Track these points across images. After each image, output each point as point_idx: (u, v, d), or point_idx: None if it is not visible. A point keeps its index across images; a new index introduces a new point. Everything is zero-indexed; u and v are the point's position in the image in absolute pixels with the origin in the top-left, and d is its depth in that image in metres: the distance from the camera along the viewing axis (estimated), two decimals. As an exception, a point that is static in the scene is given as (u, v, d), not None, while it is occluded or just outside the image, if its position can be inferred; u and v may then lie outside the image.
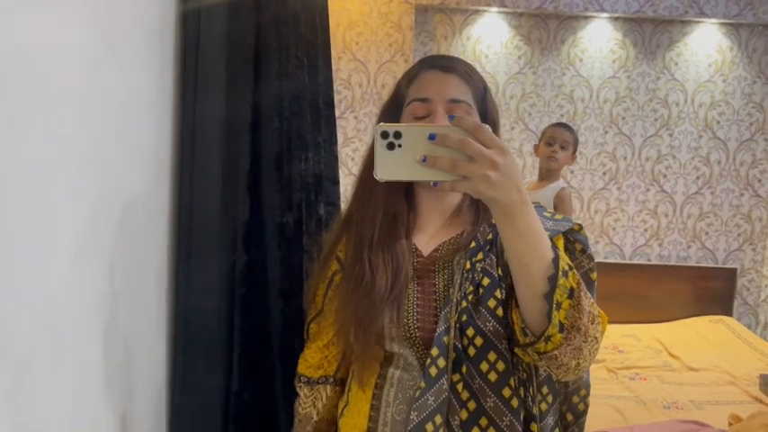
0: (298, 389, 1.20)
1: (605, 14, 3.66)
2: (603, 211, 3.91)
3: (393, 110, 1.09)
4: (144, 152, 1.11)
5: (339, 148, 3.69)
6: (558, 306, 0.83)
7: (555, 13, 3.65)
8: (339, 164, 3.67)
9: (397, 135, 0.77)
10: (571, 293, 0.84)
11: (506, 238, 0.82)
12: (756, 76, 3.80)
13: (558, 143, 2.76)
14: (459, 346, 0.98)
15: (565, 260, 0.85)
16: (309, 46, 1.42)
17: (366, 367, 1.07)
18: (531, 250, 0.82)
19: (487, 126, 0.76)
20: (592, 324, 0.86)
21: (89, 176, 0.92)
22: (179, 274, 1.27)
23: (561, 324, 0.84)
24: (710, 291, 3.87)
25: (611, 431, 2.37)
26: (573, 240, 1.04)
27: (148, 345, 1.22)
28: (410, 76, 1.08)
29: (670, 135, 3.85)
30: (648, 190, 3.90)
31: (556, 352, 0.86)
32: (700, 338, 3.51)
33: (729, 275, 3.89)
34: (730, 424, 2.38)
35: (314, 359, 1.18)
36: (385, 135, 0.77)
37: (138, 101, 1.07)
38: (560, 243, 1.03)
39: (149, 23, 1.08)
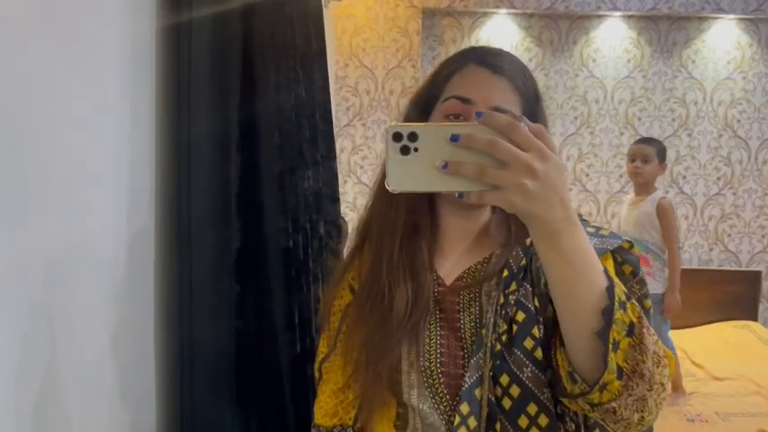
0: None
1: (618, 13, 3.56)
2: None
3: (424, 105, 0.92)
4: (122, 180, 1.05)
5: (348, 156, 3.65)
6: (616, 346, 0.67)
7: (566, 12, 3.55)
8: (348, 172, 3.62)
9: (413, 137, 0.63)
10: (631, 330, 0.67)
11: (548, 262, 0.67)
12: (778, 72, 3.67)
13: (639, 158, 2.80)
14: (492, 398, 0.81)
15: (621, 288, 0.70)
16: (303, 57, 1.35)
17: (377, 411, 0.90)
18: (580, 278, 0.66)
19: (524, 123, 0.62)
20: (657, 367, 0.69)
21: (56, 216, 0.86)
22: (181, 308, 1.19)
23: (620, 368, 0.68)
24: (734, 295, 3.74)
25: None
26: (622, 261, 0.86)
27: (142, 389, 1.16)
28: (452, 68, 0.90)
29: (689, 135, 3.74)
30: (668, 192, 3.78)
31: (614, 404, 0.69)
32: (724, 345, 3.39)
33: (754, 278, 3.76)
34: (759, 440, 2.27)
35: (328, 405, 0.99)
36: (398, 137, 0.63)
37: (108, 125, 1.01)
38: (609, 265, 0.85)
39: (121, 42, 1.02)
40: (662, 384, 0.71)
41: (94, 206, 0.97)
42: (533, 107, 0.88)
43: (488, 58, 0.89)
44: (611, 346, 0.66)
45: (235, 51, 1.13)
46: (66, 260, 0.90)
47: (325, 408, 0.99)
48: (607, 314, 0.67)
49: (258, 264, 1.23)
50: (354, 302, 0.95)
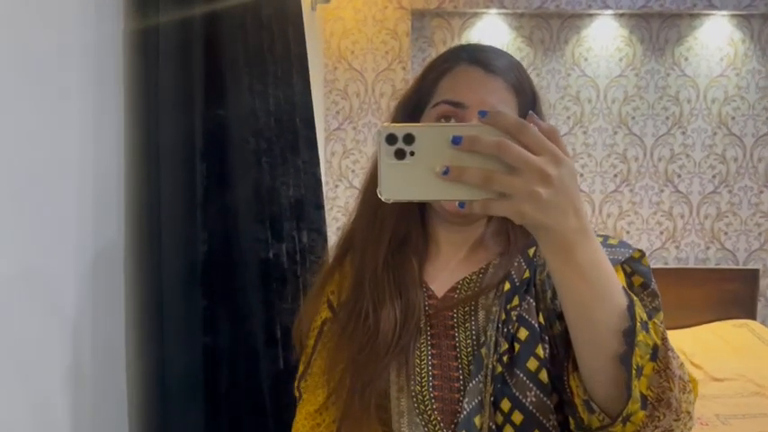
0: None
1: (610, 11, 3.52)
2: (616, 214, 3.76)
3: (412, 110, 0.85)
4: (86, 195, 1.00)
5: (339, 160, 3.60)
6: (639, 372, 0.60)
7: (557, 12, 3.51)
8: (340, 177, 3.58)
9: (409, 139, 0.56)
10: (655, 353, 0.61)
11: (562, 279, 0.60)
12: (771, 68, 3.64)
13: None
14: (493, 426, 0.74)
15: (641, 306, 0.64)
16: (281, 61, 1.31)
17: None
18: (597, 295, 0.60)
19: (534, 124, 0.56)
20: (683, 394, 0.64)
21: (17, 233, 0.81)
22: (152, 325, 1.14)
23: (644, 397, 0.61)
24: (732, 293, 3.70)
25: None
26: (631, 272, 0.79)
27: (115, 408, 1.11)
28: (441, 69, 0.83)
29: (683, 133, 3.70)
30: (662, 191, 3.74)
31: None
32: (723, 345, 3.35)
33: (752, 276, 3.72)
34: (760, 443, 2.23)
35: (305, 428, 0.90)
36: (392, 140, 0.56)
37: (71, 136, 0.96)
38: (619, 277, 0.77)
39: (83, 46, 0.97)
40: (689, 413, 0.65)
41: (58, 220, 0.93)
42: (531, 107, 0.82)
43: (480, 57, 0.82)
44: (634, 372, 0.60)
45: (202, 57, 1.08)
46: (32, 278, 0.86)
47: (301, 430, 0.91)
48: (629, 336, 0.60)
49: (230, 276, 1.18)
50: (335, 321, 0.88)
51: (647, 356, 0.61)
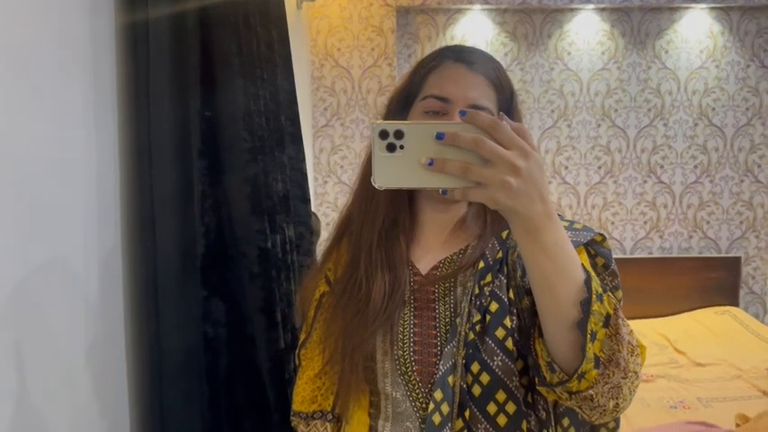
0: (295, 426, 1.05)
1: (591, 6, 3.59)
2: (601, 205, 3.83)
3: (403, 103, 0.95)
4: (85, 185, 1.05)
5: (328, 156, 3.64)
6: (593, 337, 0.70)
7: (539, 7, 3.57)
8: (328, 173, 3.62)
9: (399, 134, 0.65)
10: (607, 321, 0.71)
11: (529, 257, 0.69)
12: (750, 59, 3.71)
13: None
14: (464, 385, 0.85)
15: (597, 281, 0.73)
16: (266, 62, 1.36)
17: (352, 399, 0.95)
18: (560, 271, 0.69)
19: (506, 122, 0.64)
20: (631, 356, 0.73)
21: (25, 223, 0.86)
22: (148, 316, 1.19)
23: (597, 358, 0.71)
24: (715, 281, 3.78)
25: (615, 437, 2.29)
26: (594, 254, 0.90)
27: (114, 394, 1.16)
28: (429, 66, 0.93)
29: (665, 125, 3.77)
30: (646, 182, 3.82)
31: (591, 391, 0.73)
32: (706, 331, 3.43)
33: (734, 264, 3.80)
34: (738, 425, 2.30)
35: (306, 391, 1.04)
36: (384, 135, 0.65)
37: (67, 130, 1.01)
38: (583, 257, 0.88)
39: (77, 40, 1.02)
40: (635, 373, 0.74)
41: (60, 217, 0.97)
42: (509, 101, 0.93)
43: (464, 55, 0.93)
44: (588, 336, 0.70)
45: (196, 50, 1.13)
46: (37, 272, 0.90)
47: (302, 394, 1.04)
48: (585, 306, 0.70)
49: (227, 266, 1.24)
50: (332, 293, 0.99)
51: (601, 323, 0.71)
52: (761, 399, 2.66)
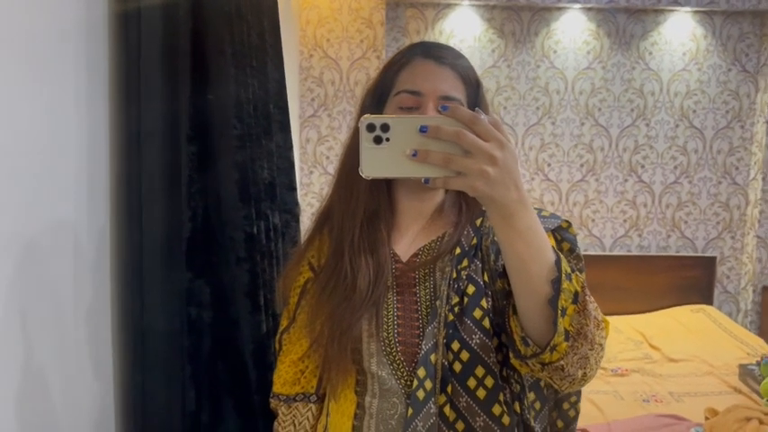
0: (275, 408, 1.10)
1: (578, 5, 3.63)
2: (582, 203, 3.90)
3: (377, 99, 1.00)
4: (75, 167, 1.07)
5: (314, 146, 3.66)
6: (564, 312, 0.77)
7: (528, 5, 3.61)
8: (314, 163, 3.64)
9: (385, 128, 0.69)
10: (576, 298, 0.78)
11: (505, 240, 0.75)
12: (731, 63, 3.78)
13: None
14: (446, 363, 0.91)
15: (566, 262, 0.80)
16: (257, 51, 1.38)
17: (340, 380, 0.99)
18: (533, 252, 0.75)
19: (485, 116, 0.69)
20: (597, 329, 0.81)
21: (12, 200, 0.87)
22: (132, 297, 1.21)
23: (567, 331, 0.78)
24: (691, 280, 3.87)
25: (589, 428, 2.35)
26: (561, 239, 0.97)
27: (98, 370, 1.18)
28: (400, 63, 0.98)
29: (647, 125, 3.84)
30: (626, 180, 3.88)
31: (562, 362, 0.79)
32: (680, 328, 3.50)
33: (709, 264, 3.89)
34: (707, 418, 2.37)
35: (288, 374, 1.09)
36: (371, 128, 0.70)
37: (61, 114, 1.03)
38: (551, 242, 0.95)
39: (71, 27, 1.03)
40: (600, 345, 0.82)
41: (52, 199, 0.99)
42: (476, 93, 0.99)
43: (432, 51, 0.98)
44: (559, 312, 0.76)
45: (187, 38, 1.15)
46: (26, 251, 0.92)
47: (284, 377, 1.09)
48: (556, 284, 0.76)
49: (213, 250, 1.26)
50: (317, 280, 1.03)
51: (570, 300, 0.78)
52: (731, 394, 2.73)
